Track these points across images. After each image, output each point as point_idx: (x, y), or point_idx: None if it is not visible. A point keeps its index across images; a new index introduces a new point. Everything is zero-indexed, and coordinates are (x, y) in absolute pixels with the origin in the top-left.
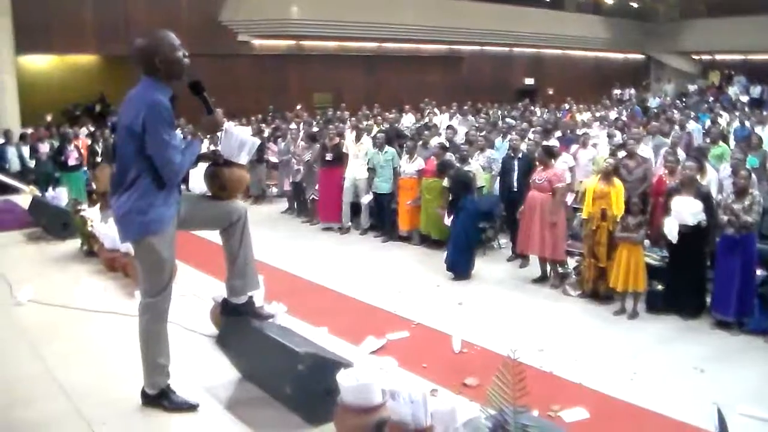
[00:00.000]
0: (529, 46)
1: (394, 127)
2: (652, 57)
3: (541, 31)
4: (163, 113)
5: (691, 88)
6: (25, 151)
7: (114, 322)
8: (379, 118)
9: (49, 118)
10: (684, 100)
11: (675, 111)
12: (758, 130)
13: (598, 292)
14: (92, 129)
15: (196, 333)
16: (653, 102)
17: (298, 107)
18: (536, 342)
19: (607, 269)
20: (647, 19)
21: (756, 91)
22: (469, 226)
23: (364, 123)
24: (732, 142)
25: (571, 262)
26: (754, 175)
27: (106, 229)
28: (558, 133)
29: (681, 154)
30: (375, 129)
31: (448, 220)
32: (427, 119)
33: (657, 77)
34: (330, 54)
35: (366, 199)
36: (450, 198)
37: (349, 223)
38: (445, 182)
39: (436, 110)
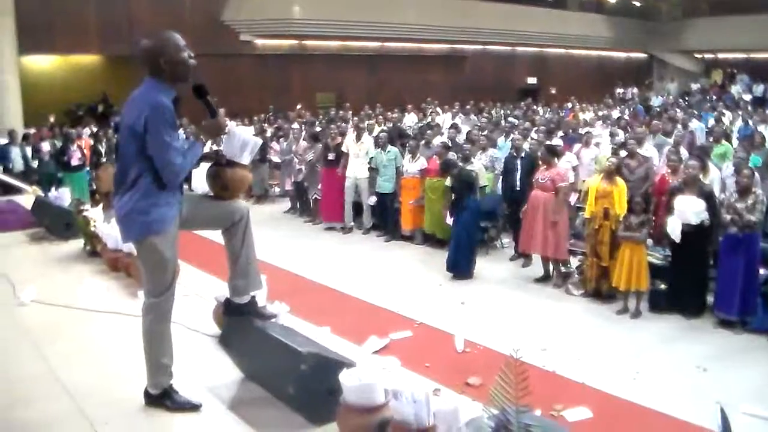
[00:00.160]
0: (531, 45)
1: (396, 126)
2: (655, 56)
3: (544, 30)
4: (165, 114)
5: (694, 86)
6: (28, 151)
7: (117, 322)
8: (382, 117)
9: (52, 118)
10: (687, 98)
11: (678, 110)
12: (761, 128)
13: (601, 291)
14: (95, 129)
15: (199, 333)
16: (656, 101)
17: (299, 107)
18: (539, 341)
19: (609, 268)
20: (650, 18)
21: (759, 89)
22: (471, 226)
23: (366, 122)
24: (735, 141)
25: (574, 262)
26: (757, 174)
27: (108, 229)
28: (561, 133)
29: (684, 153)
30: (377, 128)
31: (449, 220)
32: (429, 119)
33: (660, 76)
34: (332, 53)
35: (371, 200)
36: (453, 197)
37: (352, 223)
38: (448, 181)
39: (438, 110)
